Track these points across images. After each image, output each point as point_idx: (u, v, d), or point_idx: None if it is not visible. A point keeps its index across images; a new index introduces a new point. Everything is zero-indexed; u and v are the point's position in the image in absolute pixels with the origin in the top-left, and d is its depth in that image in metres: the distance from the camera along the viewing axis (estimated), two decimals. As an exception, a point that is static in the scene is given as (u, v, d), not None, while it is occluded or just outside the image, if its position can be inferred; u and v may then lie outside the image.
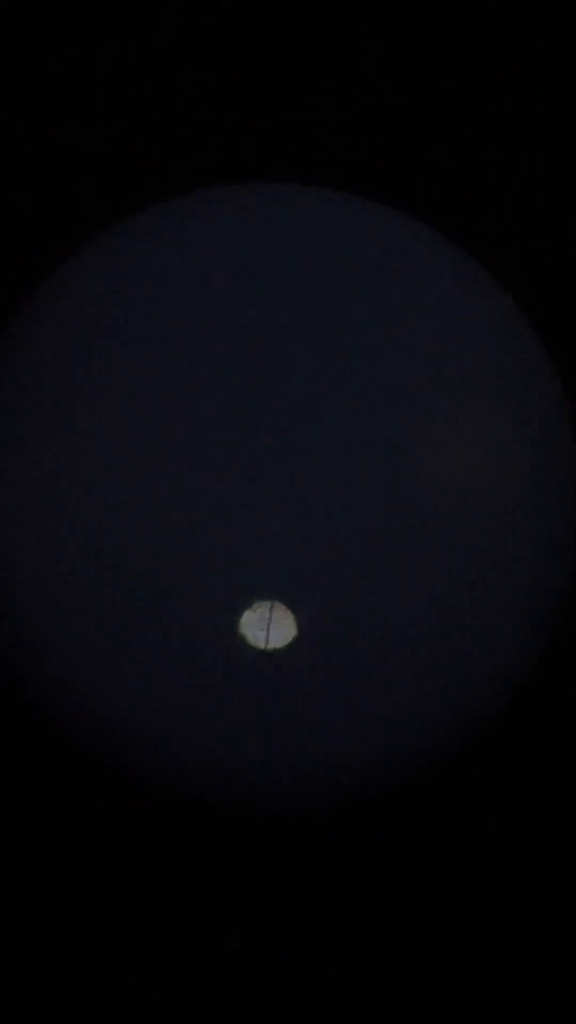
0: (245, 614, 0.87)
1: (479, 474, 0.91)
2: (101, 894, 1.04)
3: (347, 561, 0.89)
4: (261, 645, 0.88)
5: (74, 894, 1.04)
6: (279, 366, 0.90)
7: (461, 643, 0.91)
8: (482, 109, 1.16)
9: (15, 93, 1.15)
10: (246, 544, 0.88)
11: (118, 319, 0.92)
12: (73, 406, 0.91)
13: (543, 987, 1.04)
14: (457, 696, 0.93)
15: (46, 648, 0.91)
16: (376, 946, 1.04)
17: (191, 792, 0.94)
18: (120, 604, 0.89)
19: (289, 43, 1.16)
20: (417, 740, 0.93)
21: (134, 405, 0.90)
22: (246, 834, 1.05)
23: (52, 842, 1.05)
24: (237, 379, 0.89)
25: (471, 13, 1.16)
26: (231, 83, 1.15)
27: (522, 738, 1.07)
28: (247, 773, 0.92)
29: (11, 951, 1.04)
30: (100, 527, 0.89)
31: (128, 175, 1.14)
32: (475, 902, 1.05)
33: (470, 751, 1.04)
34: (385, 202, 1.03)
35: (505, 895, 1.05)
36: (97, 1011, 1.02)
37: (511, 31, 1.16)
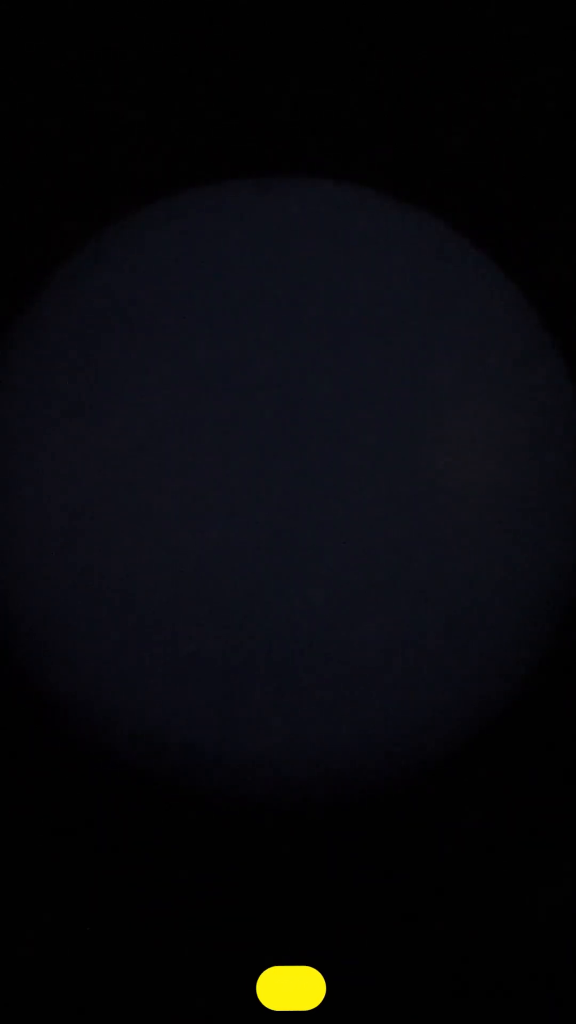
0: None
1: (484, 470, 0.91)
2: (101, 892, 1.04)
3: (347, 557, 0.89)
4: None
5: (75, 892, 1.04)
6: (284, 364, 0.90)
7: (462, 643, 0.91)
8: (484, 106, 1.16)
9: (15, 93, 1.15)
10: (247, 542, 0.88)
11: (119, 319, 0.92)
12: (74, 408, 0.91)
13: (542, 987, 1.04)
14: (459, 696, 0.93)
15: (49, 641, 0.92)
16: (375, 946, 1.04)
17: (191, 789, 0.95)
18: (120, 600, 0.89)
19: (291, 39, 1.16)
20: (418, 739, 0.93)
21: (137, 405, 0.90)
22: (246, 832, 1.05)
23: (53, 841, 1.05)
24: (240, 376, 0.90)
25: (472, 10, 1.17)
26: (232, 80, 1.15)
27: (523, 737, 1.07)
28: (247, 770, 0.92)
29: (11, 949, 1.04)
30: (107, 528, 0.89)
31: (128, 175, 1.14)
32: (475, 902, 1.05)
33: (471, 750, 1.04)
34: (391, 195, 1.03)
35: (505, 894, 1.05)
36: (97, 1009, 1.02)
37: (514, 26, 1.17)
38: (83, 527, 0.89)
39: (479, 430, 0.91)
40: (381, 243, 0.94)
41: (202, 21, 1.16)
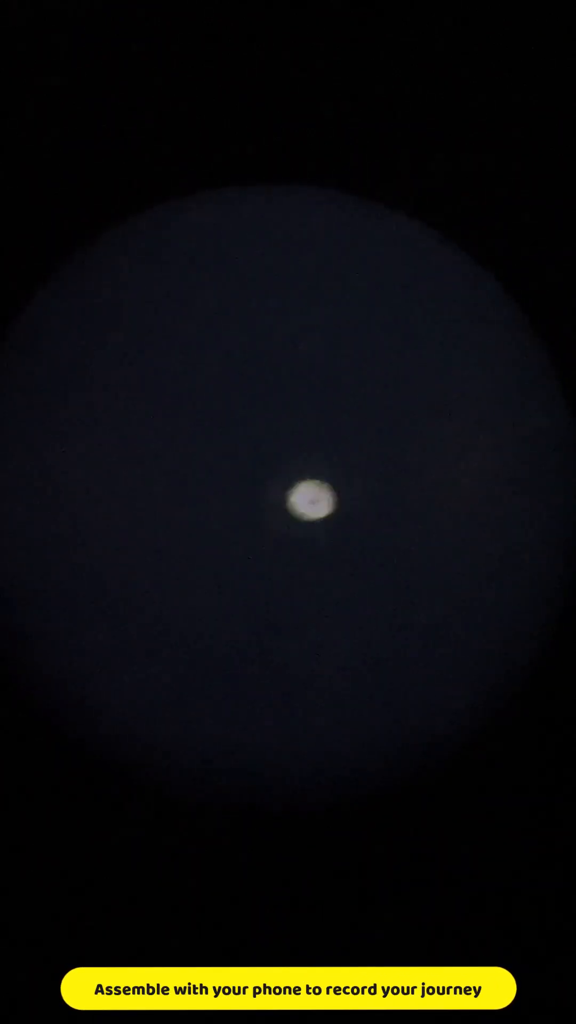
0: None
1: (481, 477, 0.92)
2: (101, 892, 1.04)
3: (345, 556, 0.89)
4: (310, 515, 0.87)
5: (75, 891, 1.04)
6: (280, 368, 0.90)
7: (460, 643, 0.91)
8: (481, 110, 1.16)
9: (14, 94, 1.15)
10: (247, 558, 0.88)
11: (118, 320, 0.92)
12: (73, 408, 0.91)
13: (542, 986, 1.04)
14: (458, 696, 0.93)
15: (45, 640, 0.92)
16: (377, 944, 1.04)
17: (193, 788, 0.95)
18: (121, 596, 0.89)
19: (290, 43, 1.16)
20: (418, 737, 0.93)
21: (135, 406, 0.90)
22: (246, 831, 1.05)
23: (54, 841, 1.05)
24: (237, 382, 0.90)
25: (471, 14, 1.17)
26: (232, 84, 1.15)
27: (525, 734, 1.07)
28: (251, 768, 0.92)
29: (11, 946, 1.04)
30: (102, 520, 0.89)
31: (127, 176, 1.14)
32: (474, 901, 1.05)
33: (472, 748, 1.04)
34: (387, 203, 1.03)
35: (504, 894, 1.05)
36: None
37: (511, 31, 1.17)
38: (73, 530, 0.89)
39: (476, 436, 0.91)
40: (374, 254, 0.94)
41: (207, 25, 1.16)
